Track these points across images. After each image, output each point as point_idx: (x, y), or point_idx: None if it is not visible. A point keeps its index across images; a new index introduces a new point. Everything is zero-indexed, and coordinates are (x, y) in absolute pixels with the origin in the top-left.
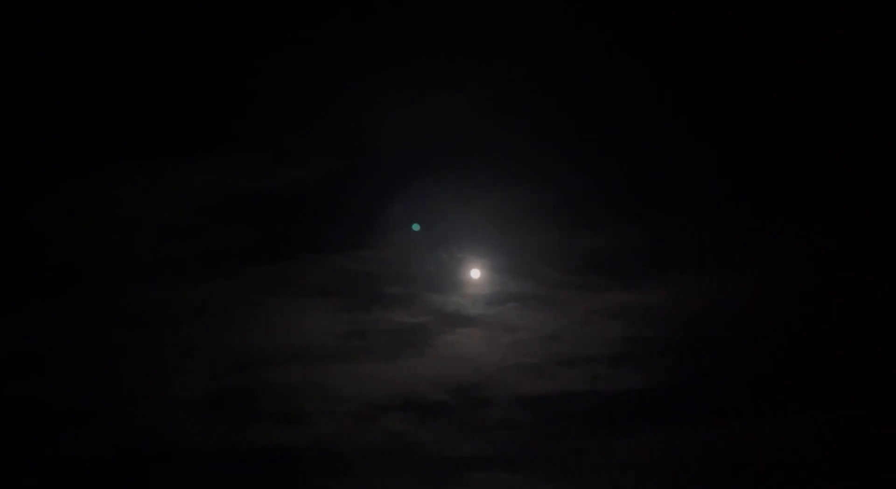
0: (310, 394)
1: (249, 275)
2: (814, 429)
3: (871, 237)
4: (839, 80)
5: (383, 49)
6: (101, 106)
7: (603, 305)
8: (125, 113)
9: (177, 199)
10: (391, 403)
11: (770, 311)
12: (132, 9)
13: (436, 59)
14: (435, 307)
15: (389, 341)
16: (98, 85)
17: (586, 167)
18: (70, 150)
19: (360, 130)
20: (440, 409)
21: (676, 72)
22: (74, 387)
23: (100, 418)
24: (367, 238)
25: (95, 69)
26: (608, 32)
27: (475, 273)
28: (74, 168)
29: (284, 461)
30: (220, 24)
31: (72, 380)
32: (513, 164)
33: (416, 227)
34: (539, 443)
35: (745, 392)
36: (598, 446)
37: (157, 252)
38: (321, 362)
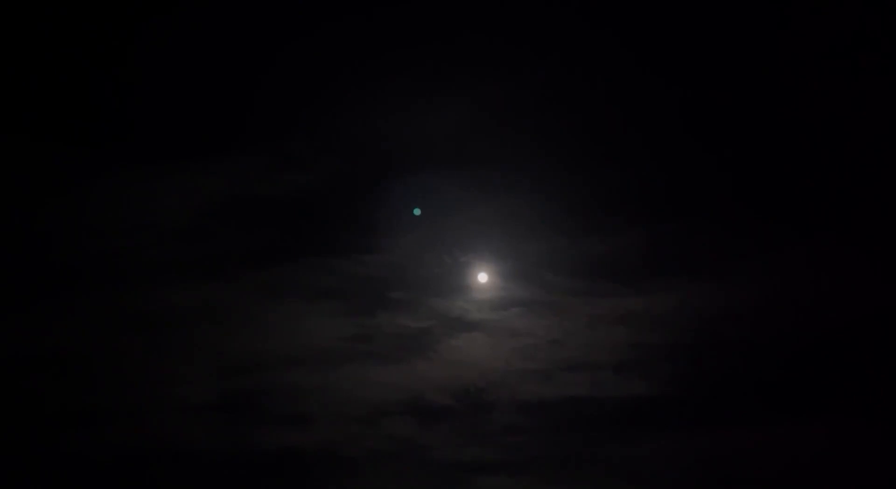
0: (315, 398)
1: (255, 279)
2: (819, 437)
3: (877, 244)
4: (844, 85)
5: (390, 54)
6: (106, 109)
7: (608, 311)
8: (131, 116)
9: (182, 203)
10: (396, 407)
11: (776, 318)
12: (139, 13)
13: (443, 63)
14: (440, 312)
15: (394, 345)
16: (104, 88)
17: (592, 173)
18: (76, 152)
19: (365, 135)
20: (445, 414)
21: (682, 78)
22: (79, 388)
23: (105, 420)
24: (373, 242)
25: (101, 72)
26: (615, 38)
27: (483, 277)
28: (80, 170)
29: (289, 464)
30: (227, 27)
31: (77, 381)
32: (518, 170)
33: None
34: (543, 449)
35: (750, 399)
36: (603, 452)
37: (162, 255)
38: (326, 366)
